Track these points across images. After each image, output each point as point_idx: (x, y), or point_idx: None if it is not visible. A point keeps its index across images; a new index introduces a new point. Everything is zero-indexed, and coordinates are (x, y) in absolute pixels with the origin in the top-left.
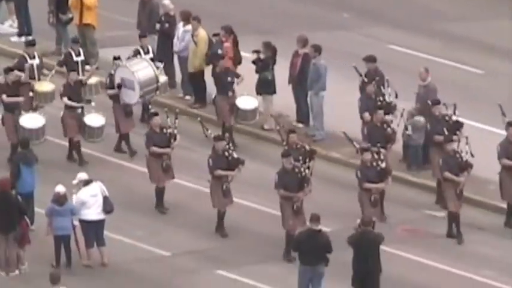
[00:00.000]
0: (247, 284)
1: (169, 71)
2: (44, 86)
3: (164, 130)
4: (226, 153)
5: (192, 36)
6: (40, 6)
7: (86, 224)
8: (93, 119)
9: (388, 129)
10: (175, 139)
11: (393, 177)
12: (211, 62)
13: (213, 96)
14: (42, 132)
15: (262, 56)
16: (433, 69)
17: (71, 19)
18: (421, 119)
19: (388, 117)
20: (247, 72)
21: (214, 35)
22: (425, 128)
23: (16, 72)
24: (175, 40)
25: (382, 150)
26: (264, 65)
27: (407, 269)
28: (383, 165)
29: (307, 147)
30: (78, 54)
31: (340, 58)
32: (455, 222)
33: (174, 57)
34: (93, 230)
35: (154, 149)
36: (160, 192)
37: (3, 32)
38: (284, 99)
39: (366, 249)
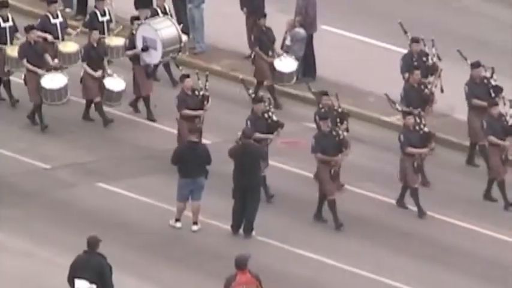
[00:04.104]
0: (127, 196)
1: None
2: (68, 46)
3: (196, 92)
4: (266, 116)
5: None
6: None
7: None
8: (114, 82)
9: (426, 90)
10: (207, 101)
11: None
12: None
13: (252, 55)
14: (64, 93)
15: None
16: None
17: None
18: (301, 30)
19: (429, 79)
20: None
21: None
22: (305, 40)
23: (38, 32)
24: None
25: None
26: None
27: (288, 181)
28: (426, 129)
29: (339, 109)
30: (104, 14)
31: None
32: (500, 188)
33: None
34: None
35: (187, 111)
36: None
37: None
38: None
39: (247, 162)
